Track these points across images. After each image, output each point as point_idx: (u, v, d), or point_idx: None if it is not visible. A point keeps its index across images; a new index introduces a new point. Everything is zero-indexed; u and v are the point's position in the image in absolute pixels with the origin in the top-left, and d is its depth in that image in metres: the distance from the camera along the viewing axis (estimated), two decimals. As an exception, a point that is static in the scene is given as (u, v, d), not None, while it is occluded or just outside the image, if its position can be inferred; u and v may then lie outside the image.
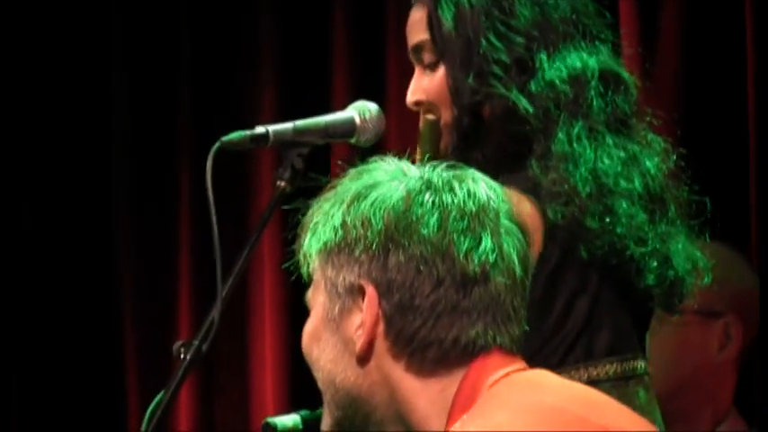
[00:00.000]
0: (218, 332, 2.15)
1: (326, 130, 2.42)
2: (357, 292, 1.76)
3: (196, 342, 2.13)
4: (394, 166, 1.86)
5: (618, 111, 2.50)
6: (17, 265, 4.73)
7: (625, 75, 2.56)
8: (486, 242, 1.79)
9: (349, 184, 1.85)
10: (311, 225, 1.85)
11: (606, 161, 2.42)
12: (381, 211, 1.79)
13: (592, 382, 2.31)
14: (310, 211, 1.88)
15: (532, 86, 2.47)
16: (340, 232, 1.81)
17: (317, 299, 1.84)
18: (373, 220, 1.79)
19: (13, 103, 4.78)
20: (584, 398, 1.82)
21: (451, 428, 1.70)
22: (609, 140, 2.47)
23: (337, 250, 1.81)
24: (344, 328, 1.79)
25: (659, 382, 2.57)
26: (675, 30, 3.47)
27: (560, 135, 2.42)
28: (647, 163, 2.46)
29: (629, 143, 2.49)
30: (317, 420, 2.19)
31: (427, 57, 2.51)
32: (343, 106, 2.52)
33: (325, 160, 3.34)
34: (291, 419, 2.41)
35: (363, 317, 1.76)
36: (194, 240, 4.21)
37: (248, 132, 2.35)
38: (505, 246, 1.79)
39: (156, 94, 4.49)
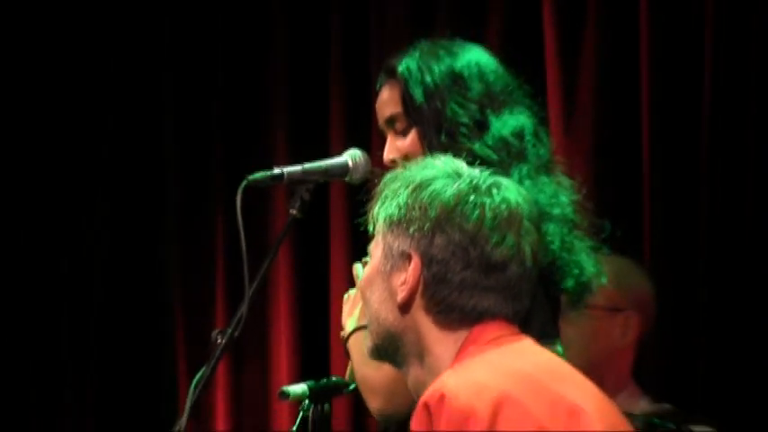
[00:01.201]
0: (245, 323, 2.37)
1: (327, 171, 2.59)
2: (406, 258, 1.88)
3: (229, 330, 2.36)
4: (451, 164, 1.97)
5: (543, 157, 2.68)
6: (87, 271, 4.92)
7: (544, 131, 2.75)
8: (509, 240, 1.88)
9: (414, 171, 1.96)
10: (382, 196, 1.98)
11: (542, 195, 2.59)
12: (436, 203, 1.89)
13: None
14: (382, 183, 2.02)
15: (489, 140, 2.60)
16: (402, 210, 1.92)
17: (375, 252, 1.97)
18: (429, 209, 1.89)
19: (78, 138, 4.92)
20: (553, 369, 1.93)
21: (441, 377, 1.81)
22: (543, 179, 2.63)
23: (398, 223, 1.93)
24: (392, 282, 1.92)
25: (576, 360, 2.61)
26: (591, 92, 3.83)
27: (514, 176, 2.53)
28: (562, 197, 2.64)
29: (553, 181, 2.66)
30: (321, 389, 2.67)
31: (399, 125, 2.62)
32: (339, 150, 2.67)
33: (324, 193, 3.77)
34: (300, 388, 2.65)
35: (407, 277, 1.88)
36: (228, 257, 4.44)
37: (268, 173, 2.52)
38: (523, 243, 1.90)
39: (195, 143, 4.69)
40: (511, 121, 2.66)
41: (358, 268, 2.57)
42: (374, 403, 2.54)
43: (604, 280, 2.68)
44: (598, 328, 3.43)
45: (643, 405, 3.54)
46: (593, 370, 2.91)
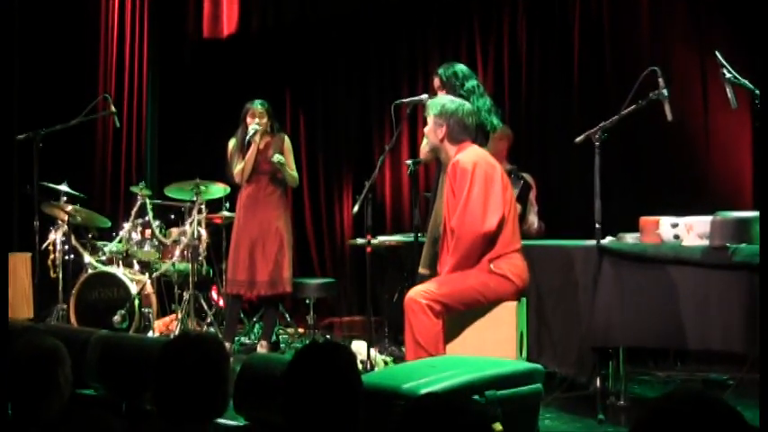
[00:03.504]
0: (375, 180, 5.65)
1: (416, 100, 6.02)
2: (441, 125, 5.15)
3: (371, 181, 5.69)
4: (453, 99, 5.22)
5: (481, 90, 5.83)
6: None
7: (481, 85, 5.89)
8: (471, 119, 5.14)
9: (442, 99, 5.30)
10: (431, 105, 5.24)
11: (480, 103, 5.72)
12: (450, 108, 5.16)
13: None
14: (431, 102, 5.25)
15: (466, 90, 5.77)
16: (439, 110, 5.19)
17: (430, 123, 5.20)
18: (449, 110, 5.16)
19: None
20: (485, 153, 5.20)
21: (454, 156, 5.05)
22: (485, 99, 5.82)
23: (438, 113, 5.20)
24: (437, 132, 5.20)
25: (490, 150, 5.62)
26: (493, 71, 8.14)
27: (473, 99, 5.67)
28: (488, 101, 5.81)
29: (486, 97, 5.83)
30: (415, 163, 6.34)
31: (438, 88, 5.86)
32: (419, 93, 6.39)
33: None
34: (411, 161, 6.82)
35: (442, 131, 5.18)
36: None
37: (400, 101, 6.03)
38: (475, 119, 5.17)
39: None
40: (470, 83, 5.85)
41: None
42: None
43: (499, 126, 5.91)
44: (497, 142, 6.43)
45: (505, 166, 6.21)
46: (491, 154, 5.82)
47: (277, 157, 7.05)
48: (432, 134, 5.18)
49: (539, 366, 4.32)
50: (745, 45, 6.19)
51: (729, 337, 4.73)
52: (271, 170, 7.14)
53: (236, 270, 7.10)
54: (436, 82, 5.97)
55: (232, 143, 7.25)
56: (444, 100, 5.27)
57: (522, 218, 6.65)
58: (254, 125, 7.08)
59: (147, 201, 7.74)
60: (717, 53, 4.96)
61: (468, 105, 5.23)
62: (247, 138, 7.08)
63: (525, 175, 6.87)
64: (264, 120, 7.12)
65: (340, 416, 2.31)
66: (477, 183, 4.89)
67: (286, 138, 7.30)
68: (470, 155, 5.04)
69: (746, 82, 4.86)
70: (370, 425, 2.50)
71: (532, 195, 6.95)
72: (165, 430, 2.42)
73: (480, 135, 5.64)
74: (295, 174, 7.26)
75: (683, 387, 4.70)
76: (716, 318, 4.80)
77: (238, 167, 7.13)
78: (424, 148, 5.80)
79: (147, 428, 2.55)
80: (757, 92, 4.79)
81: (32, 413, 2.88)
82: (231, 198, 7.70)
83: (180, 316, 7.35)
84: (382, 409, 3.38)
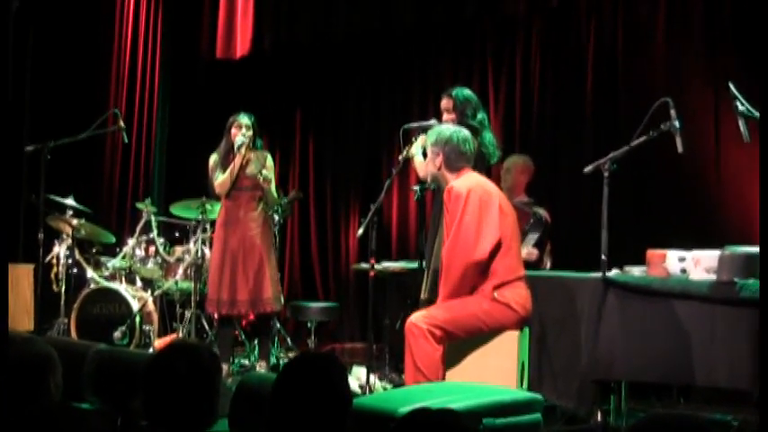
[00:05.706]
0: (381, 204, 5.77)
1: (427, 125, 5.93)
2: (437, 154, 5.19)
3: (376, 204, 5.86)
4: (451, 126, 5.29)
5: (487, 125, 5.94)
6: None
7: (488, 118, 6.00)
8: (468, 146, 5.13)
9: (439, 128, 5.34)
10: (429, 134, 5.33)
11: (488, 137, 5.86)
12: (445, 135, 5.20)
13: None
14: (430, 132, 5.32)
15: (475, 120, 5.82)
16: (435, 138, 5.25)
17: (429, 153, 5.30)
18: (444, 137, 5.19)
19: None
20: (484, 181, 5.20)
21: (450, 183, 5.04)
22: (487, 134, 5.87)
23: (434, 142, 5.26)
24: (435, 161, 5.24)
25: (503, 184, 6.65)
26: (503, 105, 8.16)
27: (483, 132, 5.79)
28: (490, 135, 5.87)
29: (490, 131, 5.92)
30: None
31: (448, 111, 5.89)
32: (427, 118, 6.34)
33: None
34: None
35: (439, 159, 5.19)
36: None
37: (408, 125, 6.11)
38: (472, 147, 5.13)
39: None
40: (481, 114, 5.93)
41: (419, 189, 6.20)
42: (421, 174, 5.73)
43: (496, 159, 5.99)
44: (519, 174, 6.85)
45: (522, 198, 6.70)
46: (511, 188, 6.83)
47: (264, 173, 6.93)
48: (431, 163, 5.18)
49: (538, 396, 4.33)
50: (759, 78, 6.03)
51: (735, 374, 4.71)
52: (251, 186, 7.05)
53: (216, 288, 6.98)
54: (446, 103, 5.94)
55: (213, 158, 7.18)
56: (441, 128, 5.26)
57: (540, 261, 6.63)
58: (240, 137, 7.01)
59: (153, 218, 7.79)
60: (730, 85, 4.98)
61: (464, 132, 5.20)
62: (235, 149, 6.98)
63: (542, 211, 6.82)
64: (250, 133, 7.03)
65: (327, 426, 2.28)
66: (471, 209, 4.87)
67: (269, 156, 7.20)
68: (466, 181, 5.02)
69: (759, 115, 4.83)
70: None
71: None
72: (153, 439, 2.40)
73: (480, 164, 5.58)
74: (275, 194, 7.15)
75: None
76: (722, 354, 4.77)
77: (220, 179, 7.04)
78: (420, 165, 5.79)
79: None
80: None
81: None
82: (236, 218, 7.65)
83: (181, 335, 7.33)
84: (377, 431, 3.40)
